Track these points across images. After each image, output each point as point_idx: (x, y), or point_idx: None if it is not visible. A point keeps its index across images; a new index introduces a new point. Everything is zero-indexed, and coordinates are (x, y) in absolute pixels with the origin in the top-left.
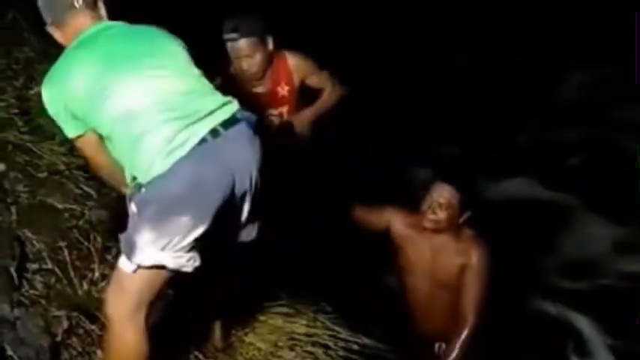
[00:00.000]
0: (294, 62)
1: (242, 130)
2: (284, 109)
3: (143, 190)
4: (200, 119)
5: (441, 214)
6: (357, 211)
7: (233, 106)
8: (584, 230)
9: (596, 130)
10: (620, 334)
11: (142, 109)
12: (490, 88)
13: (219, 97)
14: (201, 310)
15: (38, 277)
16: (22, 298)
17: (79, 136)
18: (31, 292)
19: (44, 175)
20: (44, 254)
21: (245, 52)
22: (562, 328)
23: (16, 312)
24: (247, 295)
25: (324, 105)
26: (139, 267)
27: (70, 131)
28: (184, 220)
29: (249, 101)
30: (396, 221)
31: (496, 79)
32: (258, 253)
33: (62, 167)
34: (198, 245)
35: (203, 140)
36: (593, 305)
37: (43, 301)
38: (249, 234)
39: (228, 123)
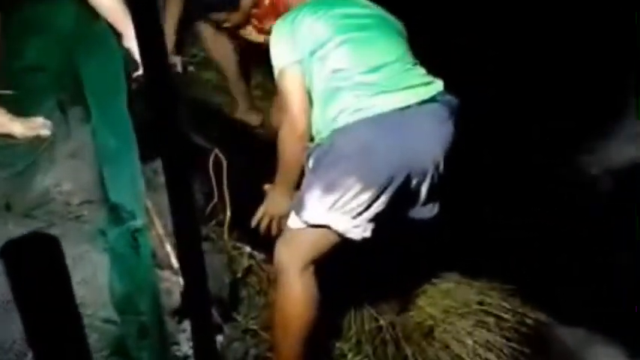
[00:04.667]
0: None
1: (435, 109)
2: None
3: (321, 146)
4: (398, 90)
5: None
6: None
7: (436, 87)
8: None
9: None
10: None
11: (348, 66)
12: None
13: (422, 74)
14: (378, 270)
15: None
16: (210, 233)
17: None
18: (218, 227)
19: None
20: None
21: None
22: None
23: (204, 245)
24: (423, 259)
25: None
26: (307, 225)
27: (286, 57)
28: (350, 180)
29: None
30: None
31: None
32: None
33: None
34: (367, 215)
35: (392, 110)
36: None
37: (227, 237)
38: (430, 211)
39: (425, 101)
